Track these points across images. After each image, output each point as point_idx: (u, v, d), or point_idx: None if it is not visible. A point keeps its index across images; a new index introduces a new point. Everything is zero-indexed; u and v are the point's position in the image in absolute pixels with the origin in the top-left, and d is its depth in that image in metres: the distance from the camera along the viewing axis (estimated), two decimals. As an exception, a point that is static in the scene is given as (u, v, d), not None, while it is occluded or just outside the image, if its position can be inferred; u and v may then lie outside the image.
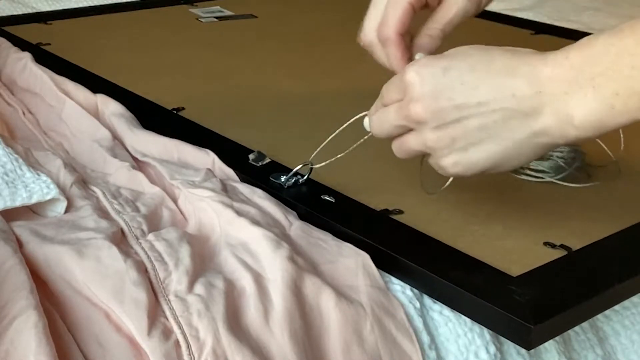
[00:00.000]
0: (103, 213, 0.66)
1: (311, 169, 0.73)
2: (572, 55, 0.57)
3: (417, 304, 0.61)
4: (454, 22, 0.70)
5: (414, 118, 0.60)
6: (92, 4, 1.38)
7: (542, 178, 0.74)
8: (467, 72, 0.59)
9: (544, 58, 0.58)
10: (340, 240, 0.64)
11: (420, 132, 0.61)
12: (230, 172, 0.75)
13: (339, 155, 0.71)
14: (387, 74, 0.67)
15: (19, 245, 0.60)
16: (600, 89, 0.56)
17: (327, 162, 0.72)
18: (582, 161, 0.76)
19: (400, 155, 0.64)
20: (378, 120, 0.64)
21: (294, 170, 0.73)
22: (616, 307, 0.67)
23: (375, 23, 0.71)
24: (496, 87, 0.58)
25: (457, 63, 0.60)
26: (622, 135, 0.75)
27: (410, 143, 0.62)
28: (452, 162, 0.61)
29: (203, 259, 0.61)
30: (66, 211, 0.66)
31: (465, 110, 0.59)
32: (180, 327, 0.53)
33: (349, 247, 0.63)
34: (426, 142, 0.61)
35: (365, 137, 0.67)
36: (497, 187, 0.74)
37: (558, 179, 0.74)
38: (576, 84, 0.56)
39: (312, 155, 0.73)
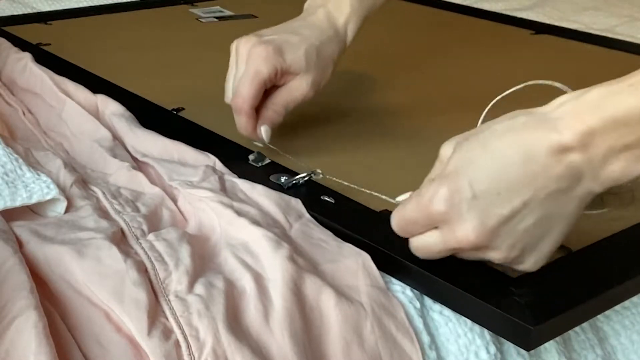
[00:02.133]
0: (103, 213, 0.66)
1: (312, 174, 0.73)
2: (588, 119, 0.55)
3: (417, 304, 0.61)
4: (295, 102, 0.80)
5: (469, 247, 0.58)
6: (92, 4, 1.38)
7: None
8: (491, 180, 0.56)
9: (553, 127, 0.56)
10: (341, 240, 0.64)
11: (480, 252, 0.59)
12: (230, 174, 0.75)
13: (352, 185, 0.71)
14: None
15: (19, 245, 0.60)
16: (635, 149, 0.54)
17: (339, 180, 0.72)
18: None
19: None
20: (420, 249, 0.61)
21: (298, 177, 0.73)
22: (616, 307, 0.67)
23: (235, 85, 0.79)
24: (529, 179, 0.56)
25: (474, 175, 0.57)
26: None
27: (470, 255, 0.60)
28: (530, 265, 0.59)
29: (203, 259, 0.61)
30: (66, 211, 0.66)
31: (517, 216, 0.56)
32: (180, 327, 0.53)
33: (349, 247, 0.63)
34: (492, 260, 0.59)
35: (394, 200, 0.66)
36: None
37: None
38: (608, 149, 0.55)
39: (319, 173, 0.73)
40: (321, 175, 0.73)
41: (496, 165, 0.57)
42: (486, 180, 0.57)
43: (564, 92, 0.64)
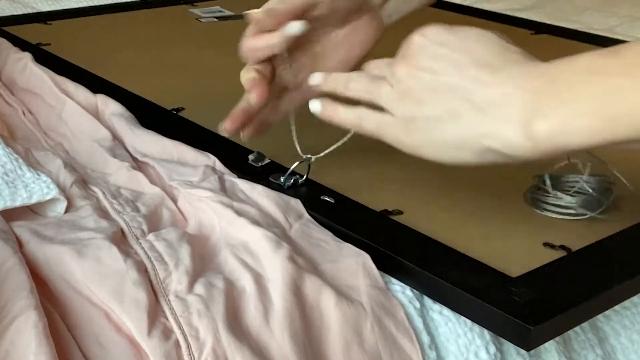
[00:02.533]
0: (103, 213, 0.66)
1: (309, 166, 0.73)
2: (554, 66, 0.57)
3: (417, 304, 0.61)
4: None
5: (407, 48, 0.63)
6: (92, 4, 1.38)
7: (567, 215, 0.69)
8: (472, 43, 0.60)
9: (537, 65, 0.58)
10: (341, 240, 0.64)
11: (390, 66, 0.64)
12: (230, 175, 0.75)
13: (337, 144, 0.71)
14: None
15: (19, 245, 0.60)
16: (570, 104, 0.54)
17: (326, 152, 0.72)
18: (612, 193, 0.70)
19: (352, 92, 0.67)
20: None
21: (292, 167, 0.73)
22: (616, 307, 0.67)
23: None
24: (479, 66, 0.58)
25: (468, 34, 0.61)
26: None
27: (377, 69, 0.65)
28: (416, 140, 0.61)
29: (203, 259, 0.61)
30: (66, 211, 0.66)
31: (444, 61, 0.60)
32: (180, 327, 0.53)
33: (349, 247, 0.63)
34: (395, 73, 0.62)
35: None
36: (497, 188, 0.74)
37: (587, 213, 0.68)
38: (547, 94, 0.55)
39: (309, 157, 0.73)
40: (313, 159, 0.73)
41: (485, 48, 0.60)
42: (469, 41, 0.61)
43: None
